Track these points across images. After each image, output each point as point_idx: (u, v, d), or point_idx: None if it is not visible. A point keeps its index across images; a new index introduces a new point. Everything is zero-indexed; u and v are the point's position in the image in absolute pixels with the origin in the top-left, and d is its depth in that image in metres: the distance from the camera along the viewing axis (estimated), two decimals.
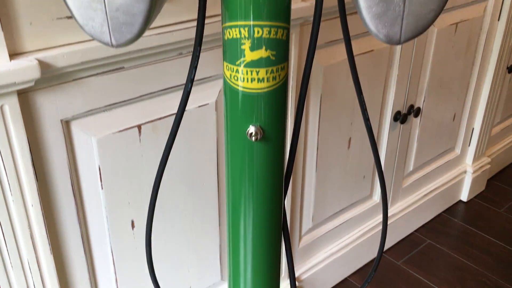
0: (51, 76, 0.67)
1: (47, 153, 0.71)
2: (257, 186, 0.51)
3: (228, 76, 0.47)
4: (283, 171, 0.53)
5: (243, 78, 0.45)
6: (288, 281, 1.20)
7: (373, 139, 0.60)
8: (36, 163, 0.70)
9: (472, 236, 1.52)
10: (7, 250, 0.70)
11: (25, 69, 0.61)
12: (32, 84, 0.63)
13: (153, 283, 0.70)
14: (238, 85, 0.46)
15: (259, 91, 0.46)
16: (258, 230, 0.57)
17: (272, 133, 0.48)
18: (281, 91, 0.47)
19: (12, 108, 0.63)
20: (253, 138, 0.47)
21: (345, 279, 1.37)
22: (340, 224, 1.29)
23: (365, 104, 0.58)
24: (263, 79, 0.45)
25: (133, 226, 0.86)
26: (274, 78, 0.46)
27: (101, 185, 0.79)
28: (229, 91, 0.47)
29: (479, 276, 1.38)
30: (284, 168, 0.53)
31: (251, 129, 0.47)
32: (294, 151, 0.54)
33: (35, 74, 0.62)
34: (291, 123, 0.99)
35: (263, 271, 0.64)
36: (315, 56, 1.01)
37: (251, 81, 0.45)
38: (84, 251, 0.81)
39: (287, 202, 1.11)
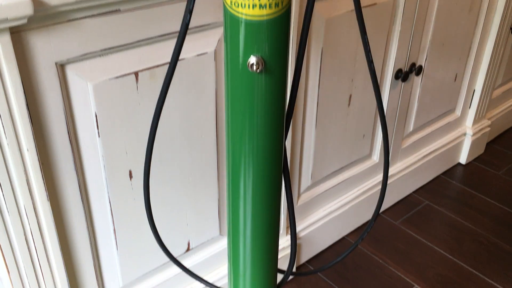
0: (45, 15, 0.64)
1: (42, 97, 0.69)
2: (258, 122, 0.50)
3: (229, 3, 0.45)
4: (285, 107, 0.52)
5: (244, 4, 0.43)
6: (286, 238, 1.21)
7: (378, 91, 0.58)
8: (31, 107, 0.68)
9: (470, 198, 1.53)
10: (3, 195, 0.69)
11: (17, 4, 0.59)
12: (25, 21, 0.61)
13: (153, 232, 0.69)
14: (239, 12, 0.44)
15: (261, 18, 0.44)
16: (258, 170, 0.56)
17: (274, 64, 0.47)
18: (284, 19, 0.45)
19: (4, 46, 0.61)
20: (254, 68, 0.46)
21: (343, 238, 1.37)
22: (339, 183, 1.29)
23: (371, 55, 0.56)
24: (265, 5, 0.43)
25: (131, 176, 0.85)
26: (276, 5, 0.44)
27: (98, 133, 0.77)
28: (229, 19, 0.45)
29: (477, 236, 1.38)
30: (286, 104, 0.52)
31: (252, 59, 0.46)
32: (296, 87, 0.52)
33: (28, 10, 0.60)
34: (293, 58, 0.97)
35: (263, 219, 0.63)
36: (316, 8, 0.99)
37: (253, 7, 0.43)
38: (82, 200, 0.80)
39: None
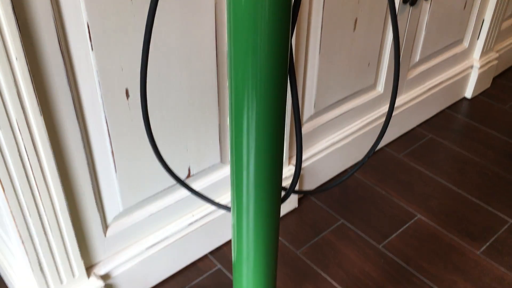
0: None
1: (30, 4, 0.65)
2: (261, 41, 0.47)
3: None
4: (289, 27, 0.48)
5: None
6: (289, 168, 1.19)
7: (394, 11, 0.53)
8: (17, 10, 0.64)
9: (475, 131, 1.50)
10: None
11: None
12: None
13: (155, 153, 0.67)
14: None
15: None
16: (262, 94, 0.52)
17: None
18: None
19: None
20: None
21: (346, 170, 1.35)
22: (342, 114, 1.26)
23: None
24: None
25: (127, 95, 0.81)
26: None
27: (91, 45, 0.73)
28: None
29: (481, 168, 1.37)
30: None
31: None
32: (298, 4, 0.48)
33: None
34: None
35: (268, 143, 0.60)
36: None
37: None
38: (77, 118, 0.77)
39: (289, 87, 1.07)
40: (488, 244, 1.16)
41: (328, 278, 1.08)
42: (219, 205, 0.76)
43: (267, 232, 0.70)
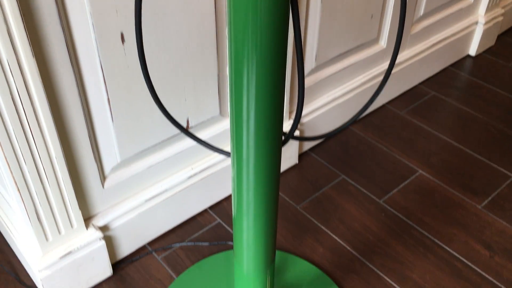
0: None
1: None
2: None
3: None
4: None
5: None
6: (289, 122, 1.17)
7: None
8: None
9: (479, 89, 1.47)
10: None
11: None
12: None
13: (154, 99, 0.65)
14: None
15: None
16: (263, 44, 0.50)
17: None
18: None
19: None
20: None
21: (347, 127, 1.34)
22: (344, 68, 1.23)
23: None
24: None
25: (123, 40, 0.79)
26: None
27: None
28: None
29: (484, 124, 1.35)
30: None
31: None
32: None
33: None
34: None
35: (268, 96, 0.58)
36: None
37: None
38: (71, 62, 0.75)
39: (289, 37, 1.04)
40: (490, 198, 1.15)
41: (329, 232, 1.07)
42: (222, 151, 0.75)
43: (268, 184, 0.68)
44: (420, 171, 1.22)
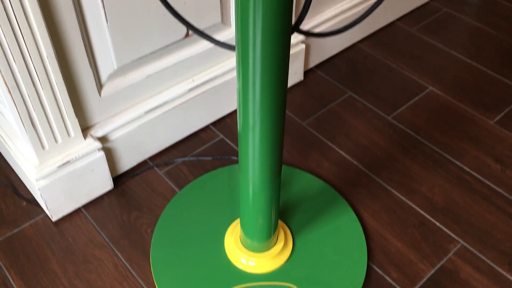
0: None
1: None
2: None
3: None
4: None
5: None
6: (295, 35, 1.11)
7: None
8: None
9: (493, 4, 1.40)
10: None
11: None
12: None
13: None
14: None
15: None
16: None
17: None
18: None
19: None
20: None
21: (355, 44, 1.28)
22: None
23: None
24: None
25: None
26: None
27: None
28: None
29: (498, 41, 1.29)
30: None
31: None
32: None
33: None
34: None
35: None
36: None
37: None
38: None
39: None
40: (502, 114, 1.11)
41: (335, 147, 1.04)
42: (228, 46, 0.69)
43: (275, 87, 0.64)
44: (431, 87, 1.17)
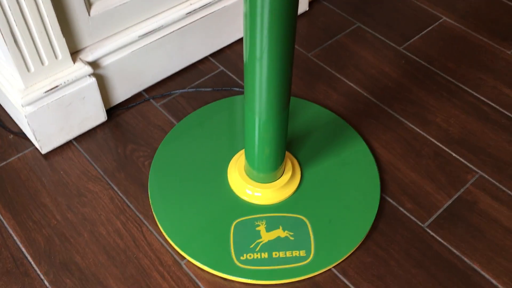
0: None
1: None
2: None
3: None
4: None
5: None
6: None
7: None
8: None
9: None
10: None
11: None
12: None
13: None
14: None
15: None
16: None
17: None
18: None
19: None
20: None
21: None
22: None
23: None
24: None
25: None
26: None
27: None
28: None
29: None
30: None
31: None
32: None
33: None
34: None
35: None
36: None
37: None
38: None
39: None
40: None
41: (343, 79, 0.98)
42: None
43: (284, 17, 0.57)
44: (444, 17, 1.10)
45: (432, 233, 0.76)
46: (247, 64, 0.64)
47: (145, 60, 0.89)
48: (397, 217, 0.77)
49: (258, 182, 0.77)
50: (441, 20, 1.09)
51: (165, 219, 0.76)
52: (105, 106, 0.89)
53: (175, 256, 0.73)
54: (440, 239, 0.75)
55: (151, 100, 0.93)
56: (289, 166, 0.79)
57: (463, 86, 0.96)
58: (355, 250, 0.74)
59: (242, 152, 0.80)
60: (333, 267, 0.72)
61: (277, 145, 0.73)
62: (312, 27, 1.08)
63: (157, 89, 0.95)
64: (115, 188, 0.80)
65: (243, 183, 0.78)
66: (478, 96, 0.94)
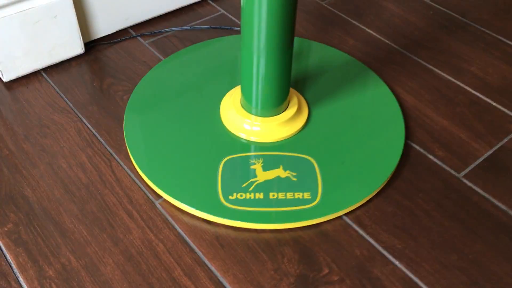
0: None
1: None
2: None
3: None
4: None
5: None
6: None
7: None
8: None
9: None
10: None
11: None
12: None
13: None
14: None
15: None
16: None
17: None
18: None
19: None
20: None
21: None
22: None
23: None
24: None
25: None
26: None
27: None
28: None
29: None
30: None
31: None
32: None
33: None
34: None
35: None
36: None
37: None
38: None
39: None
40: None
41: (362, 26, 0.85)
42: None
43: None
44: None
45: (469, 184, 0.61)
46: (244, 6, 0.54)
47: None
48: (426, 165, 0.63)
49: (257, 116, 0.64)
50: None
51: (140, 153, 0.62)
52: (83, 38, 0.77)
53: (149, 194, 0.59)
54: (479, 190, 0.60)
55: (139, 37, 0.81)
56: (294, 101, 0.66)
57: (502, 38, 0.82)
58: (373, 197, 0.59)
59: (238, 87, 0.67)
60: (345, 214, 0.57)
61: (278, 84, 0.61)
62: None
63: (147, 27, 0.83)
64: (85, 121, 0.67)
65: (239, 117, 0.64)
66: None
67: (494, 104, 0.71)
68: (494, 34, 0.83)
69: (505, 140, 0.66)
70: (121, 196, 0.58)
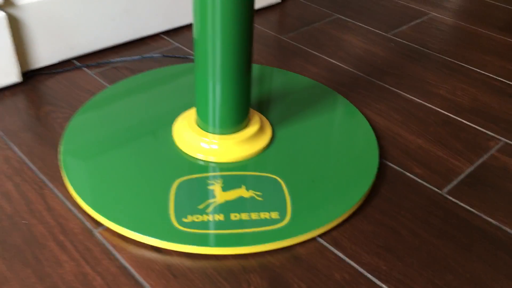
0: None
1: None
2: None
3: None
4: None
5: None
6: None
7: None
8: None
9: None
10: None
11: None
12: None
13: None
14: None
15: None
16: None
17: None
18: None
19: None
20: None
21: None
22: None
23: None
24: None
25: None
26: None
27: None
28: None
29: None
30: None
31: None
32: None
33: None
34: None
35: None
36: None
37: None
38: None
39: None
40: None
41: (324, 56, 0.81)
42: None
43: None
44: (432, 13, 0.97)
45: (455, 200, 0.54)
46: (197, 40, 0.50)
47: (78, 13, 0.72)
48: (406, 183, 0.56)
49: (214, 134, 0.57)
50: (429, 15, 0.97)
51: (79, 178, 0.53)
52: (22, 66, 0.69)
53: (87, 223, 0.49)
54: (467, 206, 0.53)
55: (85, 68, 0.74)
56: (256, 119, 0.59)
57: (467, 65, 0.80)
58: (350, 217, 0.51)
59: (193, 109, 0.60)
60: (319, 236, 0.49)
61: (236, 107, 0.55)
62: (285, 16, 0.94)
63: (95, 58, 0.76)
64: (15, 149, 0.58)
65: (195, 135, 0.56)
66: (487, 73, 0.78)
67: (468, 123, 0.67)
68: (458, 62, 0.81)
69: (486, 156, 0.61)
70: (52, 225, 0.49)
